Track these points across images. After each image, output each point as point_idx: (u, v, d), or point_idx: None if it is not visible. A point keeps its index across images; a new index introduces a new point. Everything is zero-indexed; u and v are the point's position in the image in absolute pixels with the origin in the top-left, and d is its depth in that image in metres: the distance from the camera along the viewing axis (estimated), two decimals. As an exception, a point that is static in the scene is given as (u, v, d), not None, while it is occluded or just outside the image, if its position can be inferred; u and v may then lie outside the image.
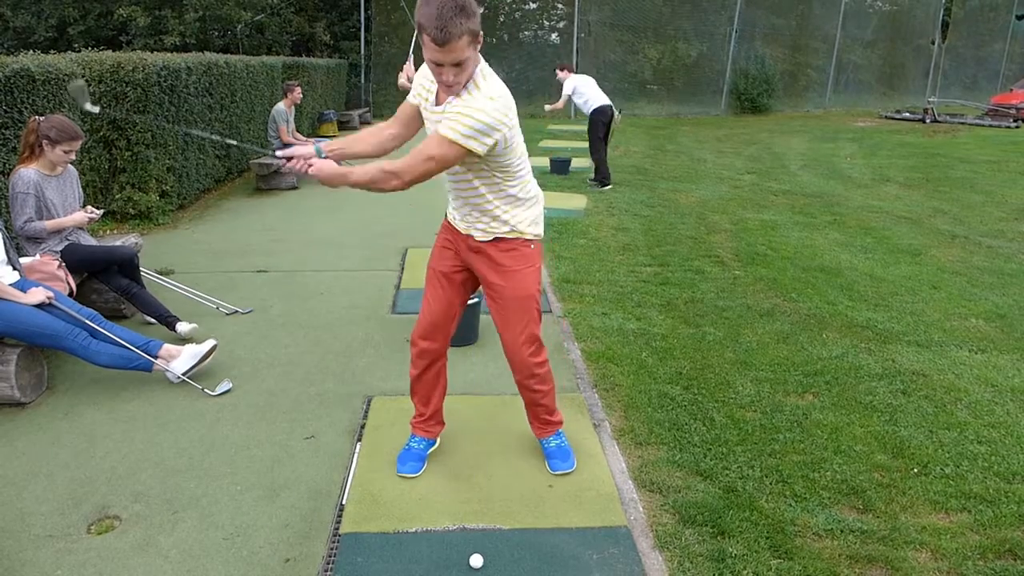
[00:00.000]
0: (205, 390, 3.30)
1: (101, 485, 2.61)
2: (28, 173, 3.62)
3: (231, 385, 3.36)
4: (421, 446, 2.75)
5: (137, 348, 3.31)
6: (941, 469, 2.78)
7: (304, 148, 2.35)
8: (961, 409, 3.27)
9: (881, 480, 2.71)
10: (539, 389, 2.63)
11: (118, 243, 4.37)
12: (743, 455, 2.84)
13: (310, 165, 2.27)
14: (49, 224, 3.69)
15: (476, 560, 2.21)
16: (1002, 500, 2.60)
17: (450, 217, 2.54)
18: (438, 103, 2.25)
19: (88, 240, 4.01)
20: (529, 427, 2.80)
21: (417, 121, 2.44)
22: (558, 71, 9.01)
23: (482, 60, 2.17)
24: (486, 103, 2.12)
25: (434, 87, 2.26)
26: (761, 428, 3.05)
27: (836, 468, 2.77)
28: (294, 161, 2.30)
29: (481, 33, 2.07)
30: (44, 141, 3.61)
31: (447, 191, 2.47)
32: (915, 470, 2.78)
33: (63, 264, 3.64)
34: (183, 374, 3.34)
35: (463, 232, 2.47)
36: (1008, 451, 2.93)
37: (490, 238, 2.42)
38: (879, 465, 2.80)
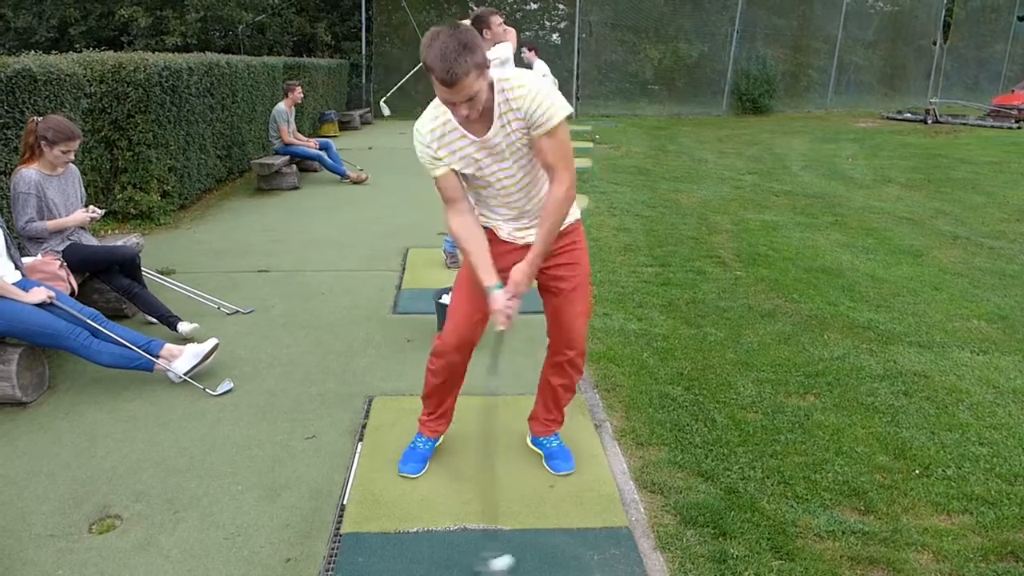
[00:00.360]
0: (206, 390, 3.30)
1: (102, 484, 2.61)
2: (29, 173, 3.62)
3: (232, 385, 3.36)
4: (426, 447, 2.74)
5: (138, 348, 3.31)
6: (943, 471, 2.78)
7: (498, 302, 2.25)
8: (963, 410, 3.27)
9: (883, 481, 2.70)
10: (579, 369, 2.65)
11: (119, 243, 4.37)
12: (744, 456, 2.84)
13: (511, 299, 2.28)
14: (50, 224, 3.69)
15: (504, 562, 2.17)
16: (1004, 502, 2.59)
17: (507, 236, 2.45)
18: (478, 133, 2.22)
19: (90, 240, 4.01)
20: (528, 426, 2.80)
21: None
22: (525, 51, 9.01)
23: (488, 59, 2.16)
24: (535, 82, 2.18)
25: (454, 134, 2.23)
26: (762, 429, 3.05)
27: (838, 469, 2.76)
28: (505, 322, 2.27)
29: (488, 61, 2.07)
30: (42, 141, 3.62)
31: (499, 214, 2.42)
32: (917, 471, 2.77)
33: (64, 264, 3.64)
34: (184, 374, 3.34)
35: (510, 241, 2.46)
36: (1010, 453, 2.92)
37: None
38: (881, 466, 2.80)
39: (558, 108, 2.16)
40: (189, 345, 3.44)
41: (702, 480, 2.68)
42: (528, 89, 2.15)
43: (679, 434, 2.99)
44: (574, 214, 2.47)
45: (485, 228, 2.43)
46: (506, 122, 2.19)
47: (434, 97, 2.18)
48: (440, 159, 2.26)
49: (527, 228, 2.42)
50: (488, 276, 2.27)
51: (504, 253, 2.42)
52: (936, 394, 3.42)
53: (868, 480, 2.70)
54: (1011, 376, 3.64)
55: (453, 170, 2.27)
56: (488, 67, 2.07)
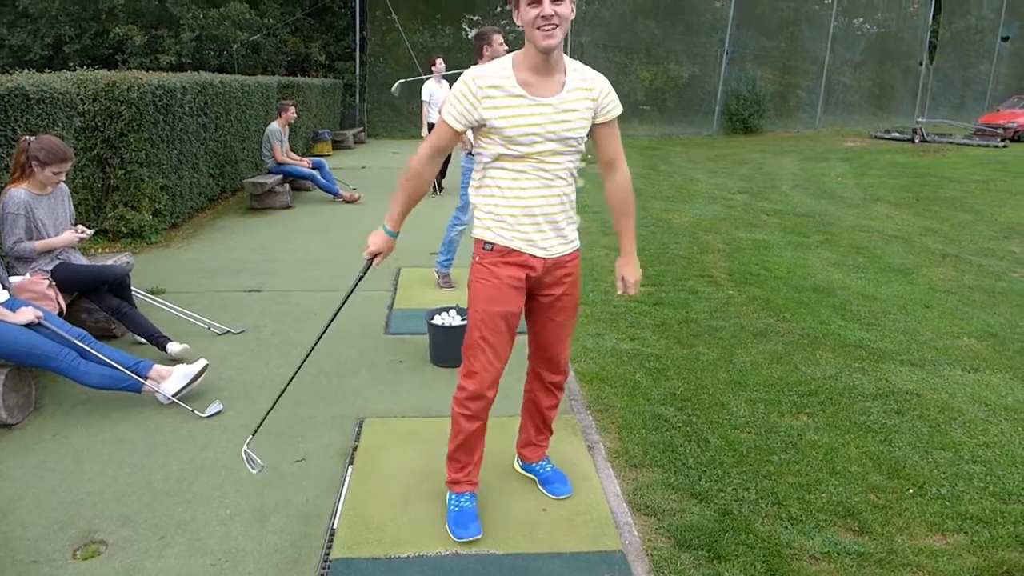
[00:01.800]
0: (195, 411, 3.26)
1: (87, 509, 2.57)
2: (18, 193, 3.60)
3: (222, 407, 3.33)
4: (472, 503, 2.51)
5: (127, 368, 3.28)
6: (937, 490, 2.77)
7: (379, 241, 2.41)
8: (955, 429, 3.27)
9: (877, 501, 2.69)
10: (563, 390, 2.67)
11: (109, 262, 4.35)
12: (738, 477, 2.82)
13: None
14: (39, 244, 3.67)
15: None
16: (998, 521, 2.58)
17: (521, 247, 2.27)
18: (542, 94, 2.17)
19: (79, 259, 3.98)
20: (518, 454, 2.77)
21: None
22: (437, 61, 9.27)
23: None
24: (599, 74, 2.29)
25: (510, 94, 2.16)
26: (756, 449, 3.04)
27: (832, 490, 2.75)
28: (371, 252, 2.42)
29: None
30: (33, 162, 3.60)
31: (526, 209, 2.25)
32: (911, 491, 2.76)
33: (53, 283, 3.61)
34: (173, 395, 3.31)
35: (547, 255, 2.31)
36: (1003, 471, 2.92)
37: (572, 249, 2.41)
38: (874, 486, 2.79)
39: (619, 103, 2.32)
40: (178, 366, 3.41)
41: (696, 502, 2.67)
42: (599, 75, 2.28)
43: (672, 455, 2.98)
44: (577, 240, 2.43)
45: (493, 244, 2.29)
46: (575, 97, 2.21)
47: None
48: (469, 112, 2.18)
49: (555, 236, 2.30)
50: (396, 223, 2.37)
51: (539, 268, 2.31)
52: (928, 412, 3.42)
53: (862, 500, 2.69)
54: (1002, 393, 3.65)
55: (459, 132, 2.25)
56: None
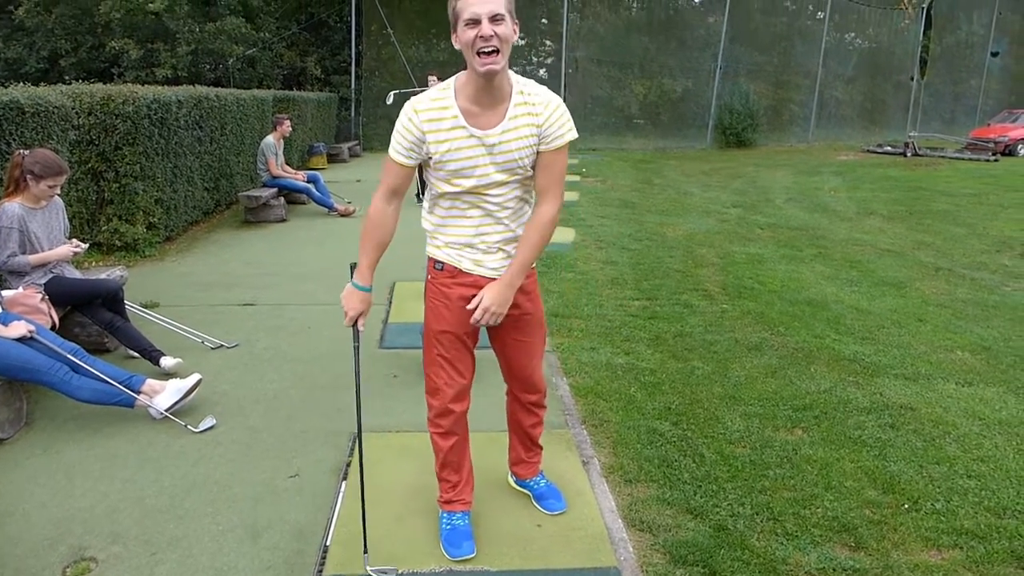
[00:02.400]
0: (188, 426, 3.24)
1: (78, 525, 2.54)
2: (12, 207, 3.60)
3: (215, 421, 3.31)
4: (464, 521, 2.49)
5: (119, 383, 3.26)
6: (932, 504, 2.77)
7: (353, 300, 2.28)
8: (950, 443, 3.27)
9: (872, 517, 2.69)
10: (544, 405, 2.62)
11: (103, 276, 4.33)
12: (733, 492, 2.82)
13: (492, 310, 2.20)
14: (33, 259, 3.66)
15: None
16: (994, 536, 2.58)
17: (471, 268, 2.27)
18: (483, 126, 2.08)
19: (73, 273, 3.97)
20: (510, 471, 2.76)
21: (410, 180, 2.26)
22: (429, 77, 9.41)
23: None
24: (553, 96, 2.16)
25: (452, 122, 2.09)
26: (751, 464, 3.03)
27: (827, 505, 2.75)
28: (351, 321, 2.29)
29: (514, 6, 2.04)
30: (28, 176, 3.60)
31: (475, 239, 2.24)
32: (906, 506, 2.76)
33: (46, 297, 3.60)
34: (166, 410, 3.29)
35: (499, 276, 2.26)
36: (998, 485, 2.92)
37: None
38: (870, 501, 2.79)
39: (571, 128, 2.16)
40: (171, 380, 3.39)
41: (691, 517, 2.66)
42: (552, 98, 2.14)
43: (667, 470, 2.97)
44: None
45: (443, 264, 2.28)
46: (517, 124, 2.10)
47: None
48: (417, 147, 2.12)
49: (503, 257, 2.27)
50: (366, 277, 2.26)
51: (463, 284, 2.28)
52: (923, 427, 3.42)
53: (858, 515, 2.69)
54: (996, 407, 3.65)
55: (410, 168, 2.18)
56: (517, 22, 2.04)
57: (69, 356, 3.22)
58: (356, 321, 2.29)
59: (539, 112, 2.11)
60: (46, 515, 2.60)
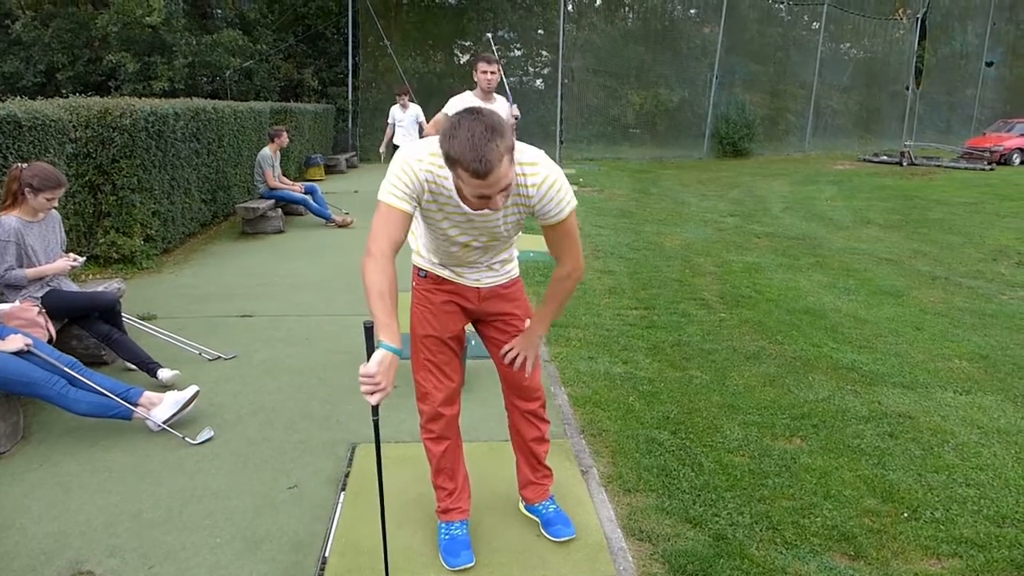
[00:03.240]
0: (186, 438, 3.23)
1: (75, 539, 2.53)
2: (9, 220, 3.60)
3: (213, 433, 3.30)
4: (463, 531, 2.48)
5: (117, 396, 3.25)
6: (931, 513, 2.77)
7: (382, 367, 1.90)
8: (948, 451, 3.27)
9: (871, 525, 2.68)
10: (544, 417, 2.59)
11: (100, 288, 4.33)
12: (732, 501, 2.81)
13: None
14: (30, 272, 3.65)
15: None
16: (993, 545, 2.58)
17: (452, 277, 2.34)
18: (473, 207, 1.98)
19: (70, 286, 3.97)
20: (520, 496, 2.72)
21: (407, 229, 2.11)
22: (399, 97, 9.73)
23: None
24: (550, 168, 2.04)
25: (448, 193, 2.03)
26: (750, 473, 3.03)
27: (826, 514, 2.74)
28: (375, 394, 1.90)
29: (513, 143, 1.90)
30: (26, 189, 3.60)
31: (448, 261, 2.31)
32: (905, 515, 2.76)
33: (43, 310, 3.59)
34: (163, 422, 3.28)
35: (479, 286, 2.36)
36: (997, 494, 2.92)
37: (508, 279, 2.43)
38: (869, 510, 2.78)
39: (568, 202, 2.07)
40: (169, 393, 3.38)
41: (690, 527, 2.65)
42: (545, 177, 2.02)
43: (666, 480, 2.96)
44: (515, 271, 2.46)
45: (427, 272, 2.34)
46: (507, 211, 2.08)
47: None
48: (416, 198, 2.03)
49: (488, 274, 2.37)
50: (392, 336, 1.94)
51: (467, 293, 2.36)
52: (921, 435, 3.42)
53: (857, 524, 2.68)
54: (994, 416, 3.66)
55: (410, 214, 2.03)
56: (513, 150, 1.90)
57: (66, 369, 3.21)
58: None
59: (531, 195, 2.04)
60: (43, 529, 2.58)
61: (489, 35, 16.28)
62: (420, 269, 2.39)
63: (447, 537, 2.46)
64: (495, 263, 2.37)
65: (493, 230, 2.16)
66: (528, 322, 2.41)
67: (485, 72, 4.72)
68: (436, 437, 2.44)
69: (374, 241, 2.01)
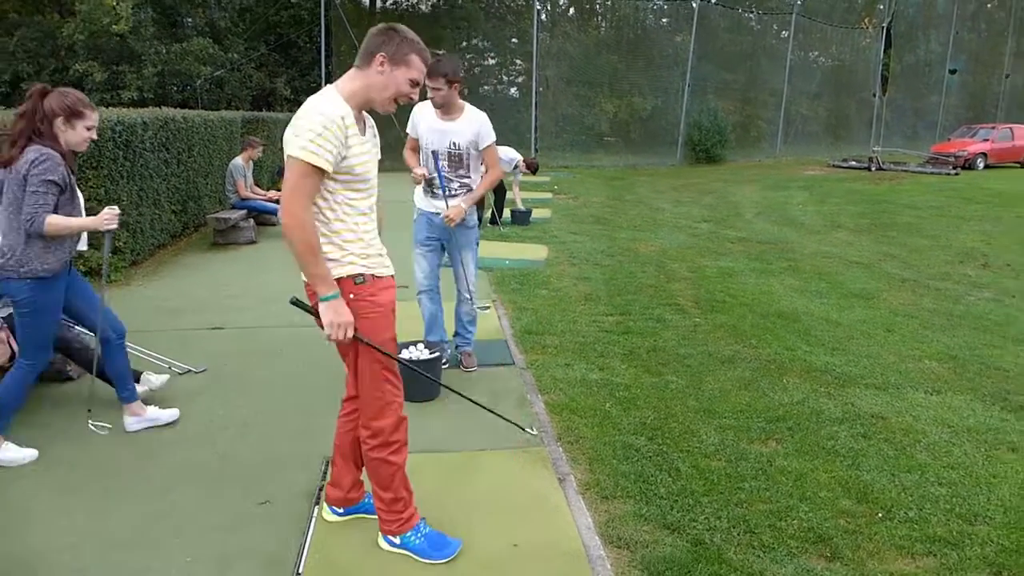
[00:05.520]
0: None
1: (36, 562, 2.45)
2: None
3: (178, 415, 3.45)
4: (429, 527, 2.51)
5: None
6: (905, 513, 2.79)
7: (332, 314, 2.18)
8: (920, 451, 3.31)
9: (847, 527, 2.69)
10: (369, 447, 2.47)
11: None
12: (710, 506, 2.81)
13: None
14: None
15: None
16: (966, 543, 2.60)
17: (384, 272, 2.36)
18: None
19: None
20: (494, 483, 2.72)
21: None
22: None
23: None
24: None
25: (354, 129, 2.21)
26: (727, 477, 3.03)
27: (802, 516, 2.75)
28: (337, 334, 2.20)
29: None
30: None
31: (377, 245, 2.37)
32: (880, 515, 2.78)
33: (5, 327, 3.49)
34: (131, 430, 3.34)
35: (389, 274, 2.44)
36: (968, 492, 2.95)
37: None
38: (844, 511, 2.80)
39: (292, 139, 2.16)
40: (151, 409, 3.46)
41: (668, 533, 2.64)
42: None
43: (644, 486, 2.95)
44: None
45: (362, 275, 2.28)
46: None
47: None
48: (343, 150, 2.13)
49: (383, 254, 2.38)
50: (329, 285, 2.17)
51: (387, 287, 2.37)
52: (894, 436, 3.46)
53: (832, 525, 2.69)
54: (964, 415, 3.71)
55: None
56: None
57: None
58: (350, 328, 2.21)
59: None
60: (3, 552, 2.49)
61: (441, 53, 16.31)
62: (356, 276, 2.26)
63: (422, 537, 2.46)
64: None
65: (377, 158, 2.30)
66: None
67: (429, 88, 3.73)
68: (401, 445, 2.41)
69: (298, 199, 2.11)
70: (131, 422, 3.36)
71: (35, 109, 2.89)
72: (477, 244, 4.14)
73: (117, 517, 2.71)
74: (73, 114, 2.93)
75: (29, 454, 3.12)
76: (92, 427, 3.35)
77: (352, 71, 2.22)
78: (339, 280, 2.22)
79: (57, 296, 3.03)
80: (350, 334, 2.21)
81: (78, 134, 2.98)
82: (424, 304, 4.15)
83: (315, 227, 2.15)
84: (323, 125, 2.07)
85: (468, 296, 4.13)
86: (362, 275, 2.27)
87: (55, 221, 2.85)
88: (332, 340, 2.22)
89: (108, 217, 3.06)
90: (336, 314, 2.18)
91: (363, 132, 2.23)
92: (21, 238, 2.86)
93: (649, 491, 2.91)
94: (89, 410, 3.43)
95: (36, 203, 2.80)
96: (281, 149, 2.21)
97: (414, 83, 2.21)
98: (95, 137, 3.10)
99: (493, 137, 3.86)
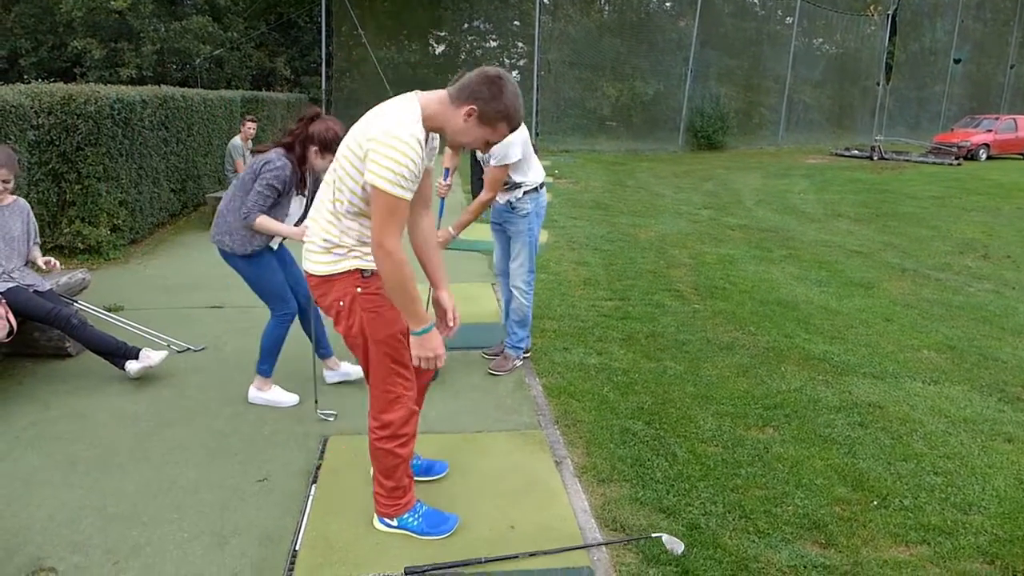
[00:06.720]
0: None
1: (37, 534, 2.46)
2: None
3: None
4: (427, 505, 2.56)
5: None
6: (900, 501, 2.80)
7: (435, 341, 2.22)
8: (917, 440, 3.32)
9: (842, 513, 2.71)
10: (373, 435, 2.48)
11: (64, 279, 4.22)
12: (705, 491, 2.82)
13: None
14: None
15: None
16: (960, 532, 2.62)
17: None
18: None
19: (37, 281, 3.84)
20: (491, 465, 2.73)
21: None
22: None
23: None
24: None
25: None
26: (723, 463, 3.04)
27: (798, 502, 2.76)
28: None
29: None
30: None
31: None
32: (875, 503, 2.79)
33: (3, 302, 3.48)
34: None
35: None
36: (963, 482, 2.96)
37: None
38: (840, 498, 2.81)
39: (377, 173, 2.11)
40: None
41: (664, 516, 2.65)
42: None
43: (640, 470, 2.97)
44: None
45: (368, 269, 2.25)
46: None
47: None
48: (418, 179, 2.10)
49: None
50: (419, 320, 2.16)
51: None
52: (891, 424, 3.47)
53: (828, 512, 2.71)
54: (961, 405, 3.72)
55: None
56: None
57: None
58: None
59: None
60: (3, 525, 2.51)
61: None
62: (362, 271, 2.25)
63: (419, 517, 2.49)
64: None
65: None
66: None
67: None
68: (409, 437, 2.39)
69: (390, 235, 2.05)
70: (331, 376, 3.74)
71: (302, 132, 3.37)
72: (532, 237, 3.90)
73: (116, 492, 2.72)
74: (327, 148, 3.30)
75: (291, 399, 3.50)
76: (321, 416, 3.34)
77: (444, 94, 2.11)
78: (346, 272, 2.23)
79: (268, 259, 3.43)
80: (439, 365, 2.27)
81: (326, 163, 3.32)
82: (502, 287, 4.20)
83: (408, 263, 2.09)
84: (412, 160, 2.01)
85: (517, 291, 3.98)
86: (368, 269, 2.25)
87: (264, 222, 3.27)
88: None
89: (301, 232, 3.38)
90: (422, 348, 2.22)
91: (424, 145, 2.12)
92: (238, 221, 3.29)
93: (645, 475, 2.92)
94: (316, 401, 3.43)
95: (256, 201, 3.25)
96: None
97: (489, 145, 2.18)
98: None
99: (507, 159, 3.67)
